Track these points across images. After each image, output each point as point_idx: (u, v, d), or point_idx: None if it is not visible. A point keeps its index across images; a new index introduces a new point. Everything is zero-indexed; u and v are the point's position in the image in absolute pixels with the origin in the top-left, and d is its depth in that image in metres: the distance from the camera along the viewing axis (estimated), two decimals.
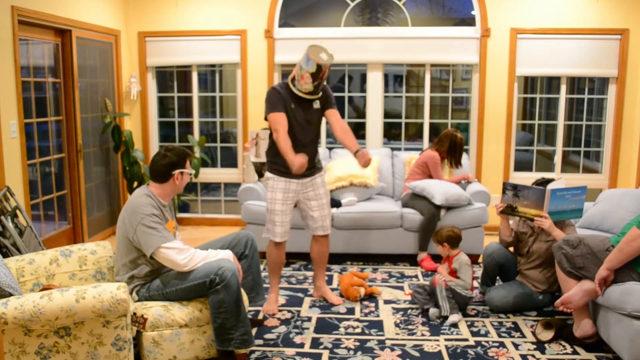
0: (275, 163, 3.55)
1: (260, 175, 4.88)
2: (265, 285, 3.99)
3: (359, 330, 3.38)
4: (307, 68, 3.33)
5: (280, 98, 3.43)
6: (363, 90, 5.86)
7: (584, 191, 3.43)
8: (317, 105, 3.54)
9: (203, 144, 5.62)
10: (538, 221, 3.39)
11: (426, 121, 5.71)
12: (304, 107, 3.49)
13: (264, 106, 3.50)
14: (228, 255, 2.90)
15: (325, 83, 3.62)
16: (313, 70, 3.32)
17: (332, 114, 3.58)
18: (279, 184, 3.53)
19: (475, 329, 3.38)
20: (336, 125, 3.55)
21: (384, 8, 5.76)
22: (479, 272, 4.42)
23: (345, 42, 5.53)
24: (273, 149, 3.55)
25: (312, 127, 3.56)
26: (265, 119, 3.48)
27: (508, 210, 3.54)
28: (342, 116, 5.78)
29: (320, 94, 3.53)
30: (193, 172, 3.03)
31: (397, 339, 3.24)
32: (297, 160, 3.25)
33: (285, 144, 3.32)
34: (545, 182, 3.54)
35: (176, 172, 2.90)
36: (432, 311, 3.50)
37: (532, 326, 3.41)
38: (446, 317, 3.48)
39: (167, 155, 2.89)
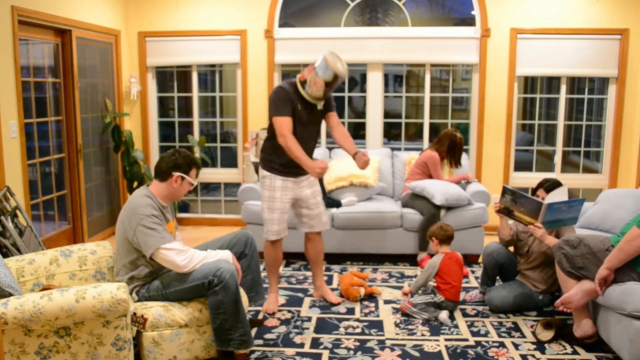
0: (271, 161, 3.55)
1: None
2: (264, 285, 3.99)
3: (359, 330, 3.38)
4: (324, 76, 3.33)
5: (288, 99, 3.40)
6: (363, 90, 5.86)
7: (582, 203, 3.35)
8: (320, 107, 3.55)
9: (203, 144, 5.62)
10: (531, 229, 3.38)
11: (426, 121, 5.71)
12: (308, 109, 3.50)
13: (268, 105, 3.46)
14: (227, 255, 2.89)
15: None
16: (329, 79, 3.33)
17: (332, 116, 3.63)
18: (276, 182, 3.53)
19: (475, 329, 3.38)
20: (336, 129, 3.60)
21: (384, 8, 5.76)
22: (479, 272, 4.42)
23: (345, 42, 5.53)
24: (269, 148, 3.55)
25: (314, 128, 3.58)
26: (270, 119, 3.46)
27: (504, 211, 3.54)
28: (342, 116, 5.81)
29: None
30: (195, 182, 3.00)
31: (397, 339, 3.24)
32: (317, 167, 3.31)
33: (298, 151, 3.35)
34: (550, 186, 3.52)
35: (176, 174, 2.88)
36: (442, 316, 3.48)
37: (532, 326, 3.40)
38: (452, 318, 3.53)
39: (175, 156, 2.90)
